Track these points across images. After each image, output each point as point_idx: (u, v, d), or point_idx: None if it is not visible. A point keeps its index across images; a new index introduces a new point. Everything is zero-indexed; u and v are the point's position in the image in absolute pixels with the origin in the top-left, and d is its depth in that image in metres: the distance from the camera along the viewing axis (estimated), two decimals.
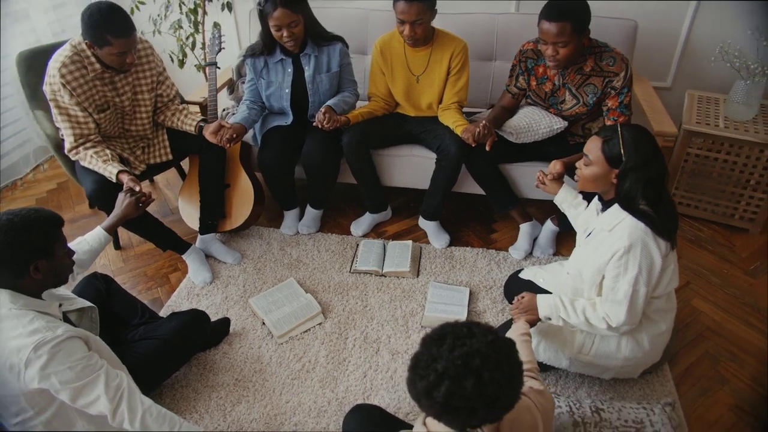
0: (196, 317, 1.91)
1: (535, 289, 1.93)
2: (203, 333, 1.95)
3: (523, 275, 2.08)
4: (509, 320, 1.84)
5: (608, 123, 2.16)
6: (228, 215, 2.53)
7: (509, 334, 1.64)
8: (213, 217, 2.48)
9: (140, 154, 2.36)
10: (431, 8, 2.21)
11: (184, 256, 2.38)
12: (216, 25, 2.80)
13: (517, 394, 0.99)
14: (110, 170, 2.06)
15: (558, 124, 2.27)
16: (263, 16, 2.25)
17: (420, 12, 2.15)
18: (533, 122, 2.27)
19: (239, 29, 3.28)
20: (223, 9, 3.02)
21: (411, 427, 1.34)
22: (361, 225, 2.66)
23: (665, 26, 2.82)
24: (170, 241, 2.35)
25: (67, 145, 2.13)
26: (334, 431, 1.75)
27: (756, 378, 1.93)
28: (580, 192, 1.93)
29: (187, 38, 3.05)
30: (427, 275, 2.37)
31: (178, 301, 2.26)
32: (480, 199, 2.61)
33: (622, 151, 1.50)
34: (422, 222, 2.63)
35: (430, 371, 0.96)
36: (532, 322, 1.72)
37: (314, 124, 2.30)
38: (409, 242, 2.50)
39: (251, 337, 2.09)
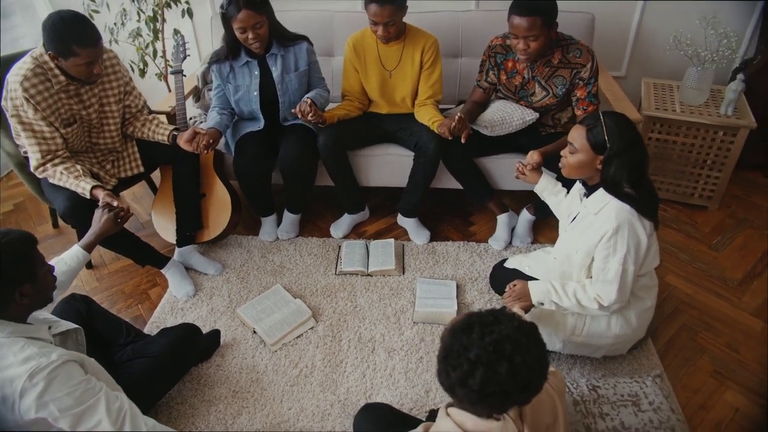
0: (187, 331, 1.86)
1: (521, 277, 1.99)
2: (196, 347, 1.90)
3: (508, 264, 2.13)
4: (501, 308, 1.88)
5: (578, 113, 2.25)
6: (205, 225, 2.47)
7: None
8: (190, 228, 2.42)
9: (110, 168, 2.26)
10: (402, 8, 2.23)
11: (163, 271, 2.31)
12: (177, 32, 2.73)
13: (546, 376, 1.02)
14: (83, 186, 1.97)
15: (530, 116, 2.33)
16: (227, 20, 2.20)
17: (392, 13, 2.17)
18: (506, 115, 2.33)
19: (198, 36, 3.20)
20: (183, 15, 2.94)
21: (422, 422, 1.36)
22: (340, 226, 2.65)
23: (617, 19, 2.95)
24: (148, 256, 2.27)
25: (33, 163, 2.02)
26: None
27: (730, 344, 2.05)
28: (558, 179, 2.00)
29: (146, 47, 2.95)
30: (413, 271, 2.39)
31: (162, 317, 2.19)
32: (455, 194, 2.65)
33: (606, 138, 1.57)
34: (401, 219, 2.65)
35: (463, 360, 0.98)
36: (526, 309, 1.77)
37: (293, 111, 2.25)
38: (392, 240, 2.51)
39: (243, 347, 2.05)
